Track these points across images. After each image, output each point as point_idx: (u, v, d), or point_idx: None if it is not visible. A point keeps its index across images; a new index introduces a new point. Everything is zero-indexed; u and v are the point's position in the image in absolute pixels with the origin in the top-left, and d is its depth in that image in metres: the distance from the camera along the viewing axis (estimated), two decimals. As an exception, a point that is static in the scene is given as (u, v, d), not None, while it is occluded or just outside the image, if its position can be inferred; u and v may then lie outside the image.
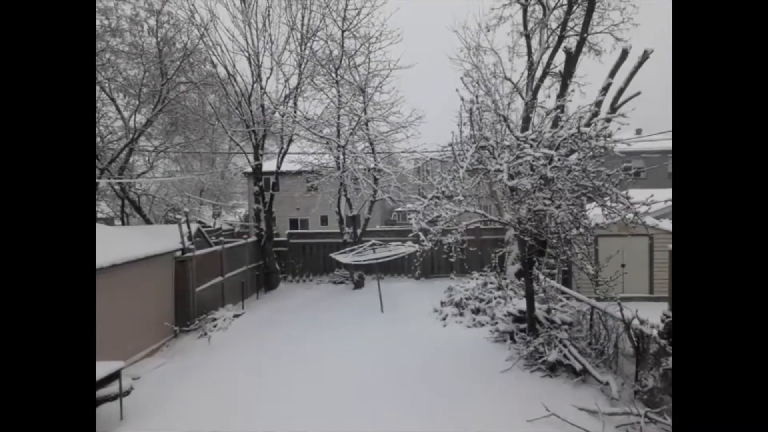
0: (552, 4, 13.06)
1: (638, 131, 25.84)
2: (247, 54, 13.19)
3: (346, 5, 12.90)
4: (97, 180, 14.95)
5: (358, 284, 14.07)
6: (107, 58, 14.01)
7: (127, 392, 5.96)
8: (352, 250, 12.81)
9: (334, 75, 13.41)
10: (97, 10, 13.30)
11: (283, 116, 13.55)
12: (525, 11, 13.07)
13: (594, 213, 7.23)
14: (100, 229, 8.70)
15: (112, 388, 5.80)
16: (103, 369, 5.49)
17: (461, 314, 9.95)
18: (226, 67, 13.15)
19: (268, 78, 13.57)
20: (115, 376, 5.70)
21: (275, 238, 15.29)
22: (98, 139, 15.39)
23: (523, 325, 7.97)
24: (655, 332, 5.65)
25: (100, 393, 5.82)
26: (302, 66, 13.51)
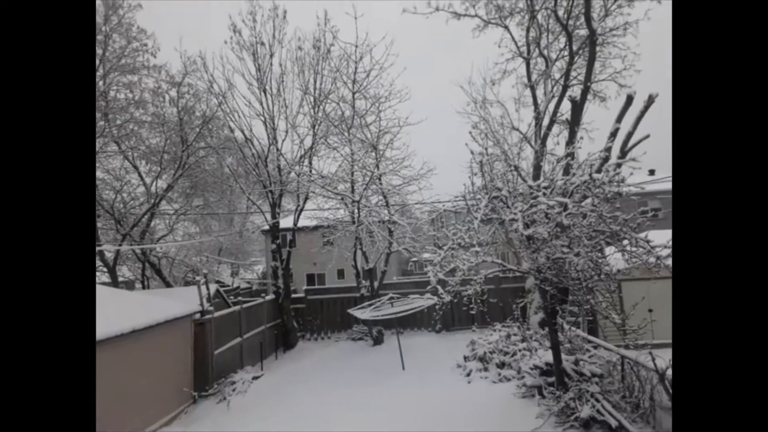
0: (554, 56, 13.56)
1: (651, 172, 25.72)
2: (263, 118, 13.82)
3: (356, 69, 13.55)
4: (119, 245, 15.34)
5: (378, 340, 13.77)
6: (131, 128, 14.80)
7: (145, 465, 5.79)
8: (370, 305, 12.65)
9: (346, 134, 13.86)
10: (121, 84, 14.24)
11: (298, 175, 13.93)
12: (528, 64, 13.56)
13: (615, 257, 7.10)
14: (122, 295, 8.83)
15: (130, 461, 5.66)
16: (121, 441, 5.38)
17: (486, 369, 9.59)
18: (243, 131, 13.77)
19: (283, 140, 14.14)
20: (134, 447, 5.57)
21: (293, 295, 15.25)
22: (121, 206, 15.97)
23: (551, 379, 7.63)
24: (692, 383, 5.36)
25: (118, 466, 5.67)
26: (316, 127, 14.05)
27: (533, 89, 13.58)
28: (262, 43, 13.40)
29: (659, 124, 11.50)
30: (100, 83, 13.20)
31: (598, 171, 6.73)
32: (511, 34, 13.66)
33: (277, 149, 13.88)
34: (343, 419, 7.59)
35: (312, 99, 13.97)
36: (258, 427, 7.51)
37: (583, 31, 12.34)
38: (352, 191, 13.90)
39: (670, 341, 7.97)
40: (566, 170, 8.22)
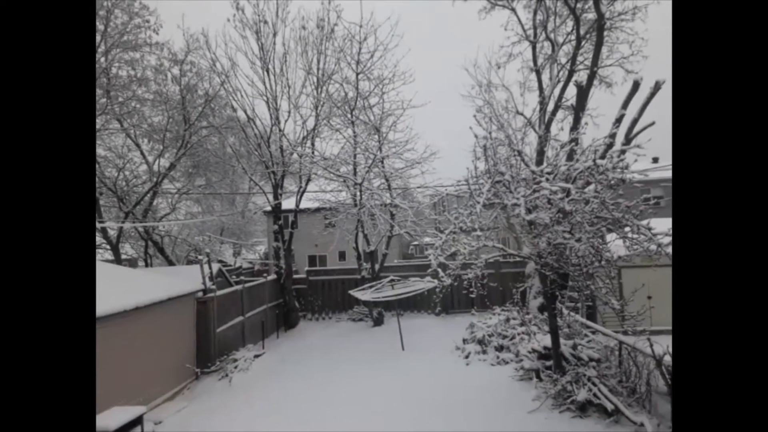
0: (560, 40, 13.37)
1: (655, 159, 25.60)
2: (265, 98, 13.69)
3: (360, 49, 13.40)
4: (122, 223, 15.40)
5: (378, 321, 13.92)
6: (133, 106, 14.69)
7: (150, 437, 5.94)
8: (370, 287, 12.76)
9: (349, 116, 13.78)
10: (123, 61, 14.09)
11: (301, 157, 13.89)
12: (534, 48, 13.38)
13: (616, 244, 7.13)
14: (124, 272, 8.90)
15: (135, 434, 5.80)
16: (125, 415, 5.51)
17: (484, 352, 9.72)
18: (245, 111, 13.67)
19: (286, 120, 14.02)
20: (137, 421, 5.71)
21: (294, 276, 15.37)
22: (123, 184, 15.98)
23: (549, 362, 7.74)
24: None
25: (123, 439, 5.81)
26: (319, 108, 13.94)
27: (539, 74, 13.43)
28: (266, 22, 13.20)
29: (665, 111, 11.39)
30: (102, 60, 13.06)
31: (602, 157, 6.71)
32: (517, 16, 13.46)
33: (280, 130, 13.81)
34: (342, 398, 7.74)
35: (315, 79, 13.83)
36: (259, 404, 7.66)
37: (591, 15, 12.15)
38: (355, 174, 13.88)
39: (669, 328, 8.01)
40: (570, 156, 8.20)
